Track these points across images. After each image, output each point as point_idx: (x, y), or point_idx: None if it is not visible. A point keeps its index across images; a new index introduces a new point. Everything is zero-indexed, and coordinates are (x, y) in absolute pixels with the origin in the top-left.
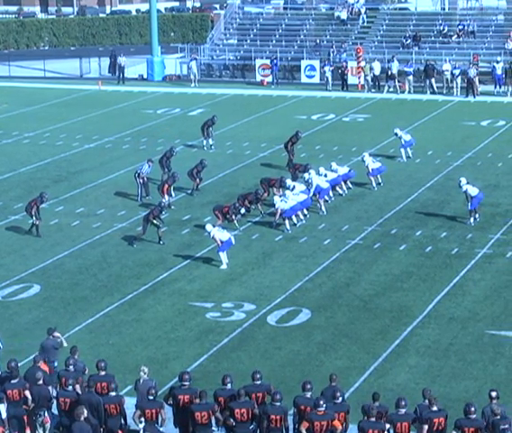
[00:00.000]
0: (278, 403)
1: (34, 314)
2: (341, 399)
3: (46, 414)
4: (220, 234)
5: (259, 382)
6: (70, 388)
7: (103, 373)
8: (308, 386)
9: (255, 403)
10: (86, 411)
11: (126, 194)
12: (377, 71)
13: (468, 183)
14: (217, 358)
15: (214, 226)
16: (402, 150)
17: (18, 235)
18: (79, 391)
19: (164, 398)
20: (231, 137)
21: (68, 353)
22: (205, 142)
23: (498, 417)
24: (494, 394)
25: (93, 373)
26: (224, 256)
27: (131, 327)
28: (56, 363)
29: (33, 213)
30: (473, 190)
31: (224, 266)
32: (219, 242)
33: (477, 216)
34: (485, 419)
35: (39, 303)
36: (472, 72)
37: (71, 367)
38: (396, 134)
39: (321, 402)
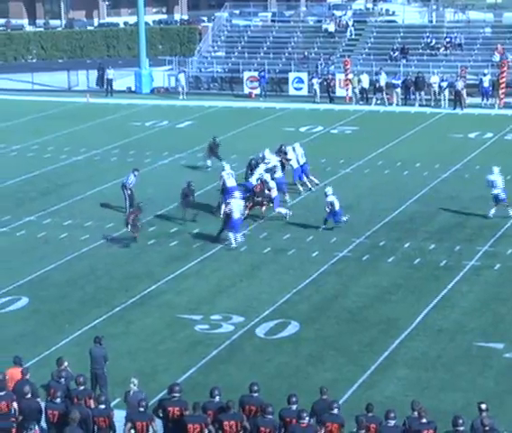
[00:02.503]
0: (269, 416)
1: (22, 326)
2: (336, 410)
3: (36, 427)
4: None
5: (256, 395)
6: (59, 400)
7: (82, 387)
8: (294, 399)
9: (244, 416)
10: (79, 417)
11: (114, 206)
12: (365, 84)
13: (334, 194)
14: (206, 370)
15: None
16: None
17: (5, 248)
18: (92, 406)
19: (153, 410)
20: (219, 150)
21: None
22: (209, 162)
23: (488, 428)
24: (484, 406)
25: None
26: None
27: (119, 339)
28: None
29: (130, 222)
30: (337, 204)
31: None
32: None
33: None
34: (474, 432)
35: (26, 316)
36: (460, 85)
37: (62, 380)
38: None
39: (304, 414)
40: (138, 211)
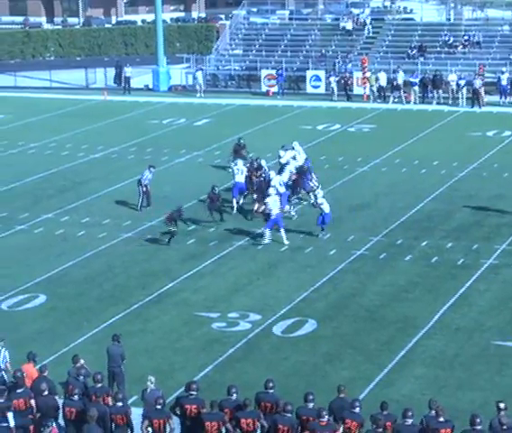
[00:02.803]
0: (288, 414)
1: (40, 324)
2: (358, 409)
3: (54, 424)
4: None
5: (271, 391)
6: (76, 397)
7: (99, 385)
8: (310, 397)
9: (261, 414)
10: (97, 414)
11: (131, 204)
12: (383, 82)
13: (324, 197)
14: (223, 368)
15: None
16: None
17: (24, 245)
18: (110, 404)
19: (170, 408)
20: (245, 151)
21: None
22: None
23: (505, 428)
24: (502, 405)
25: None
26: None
27: (136, 337)
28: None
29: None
30: (326, 207)
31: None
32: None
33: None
34: (492, 431)
35: (44, 313)
36: (478, 83)
37: (81, 377)
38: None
39: (323, 413)
40: (179, 213)
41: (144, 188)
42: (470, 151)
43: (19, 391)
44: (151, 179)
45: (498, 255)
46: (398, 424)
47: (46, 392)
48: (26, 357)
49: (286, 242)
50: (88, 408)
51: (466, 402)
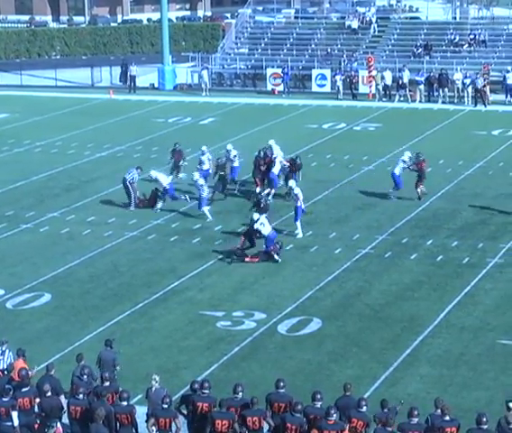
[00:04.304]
0: (298, 414)
1: (45, 322)
2: (365, 408)
3: (58, 424)
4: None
5: (282, 391)
6: (81, 396)
7: (107, 383)
8: (318, 396)
9: (267, 412)
10: (104, 414)
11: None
12: (388, 81)
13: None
14: (228, 367)
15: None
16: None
17: (29, 244)
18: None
19: (175, 406)
20: (242, 146)
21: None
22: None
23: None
24: (511, 405)
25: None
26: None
27: (141, 335)
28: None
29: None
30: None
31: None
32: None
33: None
34: (500, 430)
35: (49, 312)
36: (480, 82)
37: (85, 377)
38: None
39: (331, 412)
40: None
41: (129, 188)
42: (475, 149)
43: (24, 389)
44: (138, 178)
45: (504, 254)
46: (404, 423)
47: (49, 393)
48: (16, 354)
49: (300, 235)
50: (96, 407)
51: (471, 401)
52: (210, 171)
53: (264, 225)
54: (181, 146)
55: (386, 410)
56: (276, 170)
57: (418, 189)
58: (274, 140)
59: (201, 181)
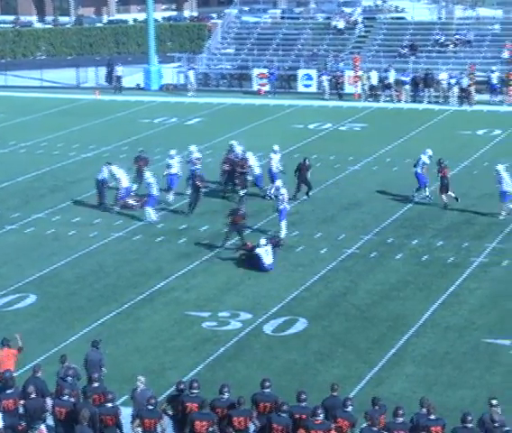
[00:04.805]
0: (284, 414)
1: (30, 324)
2: (350, 408)
3: (42, 426)
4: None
5: (268, 391)
6: (66, 398)
7: (96, 384)
8: (303, 396)
9: (253, 412)
10: (89, 415)
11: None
12: (374, 81)
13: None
14: (213, 368)
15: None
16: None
17: (15, 245)
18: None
19: (163, 407)
20: (228, 146)
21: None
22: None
23: (497, 425)
24: (495, 402)
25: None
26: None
27: (127, 336)
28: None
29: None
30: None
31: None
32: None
33: None
34: (482, 427)
35: (35, 313)
36: (465, 82)
37: (69, 378)
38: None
39: (318, 411)
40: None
41: (100, 186)
42: (460, 149)
43: (8, 391)
44: (108, 176)
45: (489, 253)
46: (389, 422)
47: (33, 395)
48: (0, 343)
49: (283, 234)
50: (80, 408)
51: (456, 400)
52: (179, 175)
53: (267, 255)
54: (146, 153)
55: (377, 408)
56: (274, 165)
57: (443, 196)
58: (237, 141)
59: (151, 180)
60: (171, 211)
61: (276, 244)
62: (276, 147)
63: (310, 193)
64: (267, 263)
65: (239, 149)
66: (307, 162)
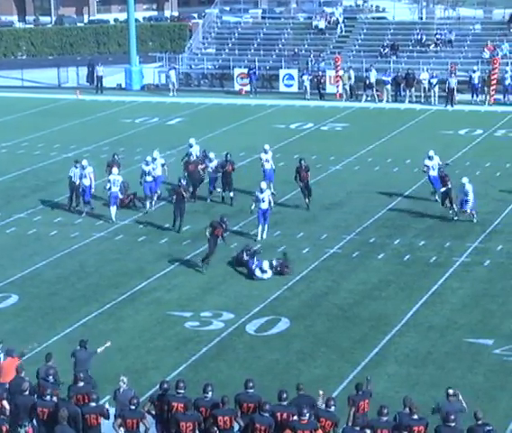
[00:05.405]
0: (266, 414)
1: (12, 324)
2: (333, 408)
3: (29, 425)
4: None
5: (251, 391)
6: (48, 398)
7: (81, 384)
8: (284, 395)
9: (238, 412)
10: (67, 414)
11: (104, 203)
12: (352, 80)
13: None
14: (196, 367)
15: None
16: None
17: None
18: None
19: (144, 407)
20: (209, 146)
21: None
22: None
23: (480, 422)
24: (451, 392)
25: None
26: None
27: (109, 336)
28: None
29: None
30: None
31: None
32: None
33: None
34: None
35: (17, 313)
36: (453, 82)
37: (50, 377)
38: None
39: (304, 411)
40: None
41: (71, 185)
42: (442, 149)
43: None
44: (78, 174)
45: (470, 253)
46: (373, 420)
47: (27, 392)
48: (4, 353)
49: (259, 238)
50: (59, 408)
51: (439, 400)
52: (167, 177)
53: (266, 273)
54: (120, 157)
55: (360, 393)
56: (270, 164)
57: (454, 205)
58: (195, 139)
59: (113, 177)
60: (152, 212)
61: (280, 272)
62: (267, 146)
63: (310, 199)
64: (259, 276)
65: (196, 148)
66: (304, 164)
